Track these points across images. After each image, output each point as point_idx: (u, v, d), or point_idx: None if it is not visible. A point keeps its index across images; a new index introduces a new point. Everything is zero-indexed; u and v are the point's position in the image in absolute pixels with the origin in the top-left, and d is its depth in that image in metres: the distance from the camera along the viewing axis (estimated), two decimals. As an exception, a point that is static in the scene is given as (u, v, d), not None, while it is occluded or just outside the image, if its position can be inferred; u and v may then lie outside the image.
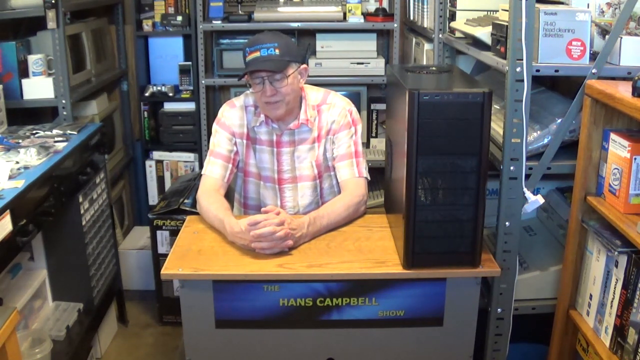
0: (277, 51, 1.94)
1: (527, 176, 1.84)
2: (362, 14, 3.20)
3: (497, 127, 1.98)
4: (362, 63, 3.23)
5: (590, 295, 1.79)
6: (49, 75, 2.62)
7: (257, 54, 1.93)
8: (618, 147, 1.64)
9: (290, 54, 1.98)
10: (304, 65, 2.06)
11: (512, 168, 1.82)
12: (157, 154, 3.57)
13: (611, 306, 1.67)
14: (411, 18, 3.20)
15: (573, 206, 1.82)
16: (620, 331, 1.62)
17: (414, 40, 3.11)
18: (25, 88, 2.58)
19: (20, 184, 1.90)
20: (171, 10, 3.43)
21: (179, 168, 3.56)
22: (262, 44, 1.94)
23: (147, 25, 3.44)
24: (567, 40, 1.72)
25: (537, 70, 1.73)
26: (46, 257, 2.43)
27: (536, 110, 1.95)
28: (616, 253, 1.63)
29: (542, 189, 2.17)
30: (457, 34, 2.36)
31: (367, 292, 1.77)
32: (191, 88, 3.44)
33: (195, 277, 1.75)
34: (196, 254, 1.83)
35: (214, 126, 2.14)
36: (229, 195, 2.16)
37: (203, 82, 3.26)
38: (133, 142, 3.71)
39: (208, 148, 2.14)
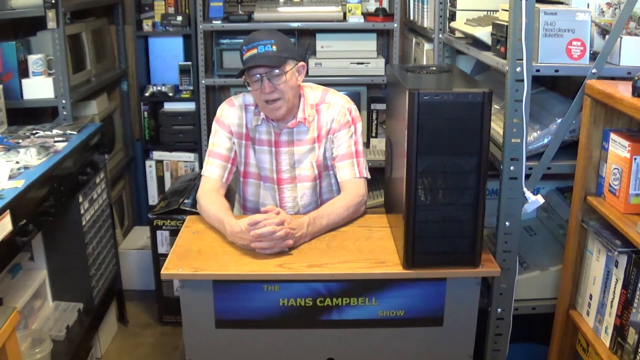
0: (274, 48, 1.94)
1: (527, 176, 1.84)
2: (362, 14, 3.20)
3: (497, 127, 1.98)
4: (362, 63, 3.23)
5: (590, 295, 1.79)
6: (49, 75, 2.62)
7: (254, 51, 1.94)
8: (618, 147, 1.64)
9: (288, 51, 1.98)
10: (302, 63, 2.05)
11: (512, 168, 1.82)
12: (157, 154, 3.56)
13: (611, 306, 1.67)
14: (411, 18, 3.20)
15: (573, 206, 1.82)
16: (620, 331, 1.62)
17: (414, 40, 3.11)
18: (25, 88, 2.58)
19: (20, 184, 1.90)
20: (171, 10, 3.42)
21: (179, 168, 3.56)
22: (259, 41, 1.94)
23: (147, 25, 3.43)
24: (567, 40, 1.72)
25: (537, 70, 1.73)
26: (46, 257, 2.43)
27: (536, 110, 1.95)
28: (616, 253, 1.63)
29: (542, 189, 2.17)
30: (457, 34, 2.36)
31: (367, 292, 1.77)
32: (191, 88, 3.44)
33: (195, 277, 1.75)
34: (196, 254, 1.83)
35: (214, 125, 2.14)
36: (229, 195, 2.16)
37: (203, 82, 3.26)
38: (133, 142, 3.71)
39: (208, 148, 2.14)
